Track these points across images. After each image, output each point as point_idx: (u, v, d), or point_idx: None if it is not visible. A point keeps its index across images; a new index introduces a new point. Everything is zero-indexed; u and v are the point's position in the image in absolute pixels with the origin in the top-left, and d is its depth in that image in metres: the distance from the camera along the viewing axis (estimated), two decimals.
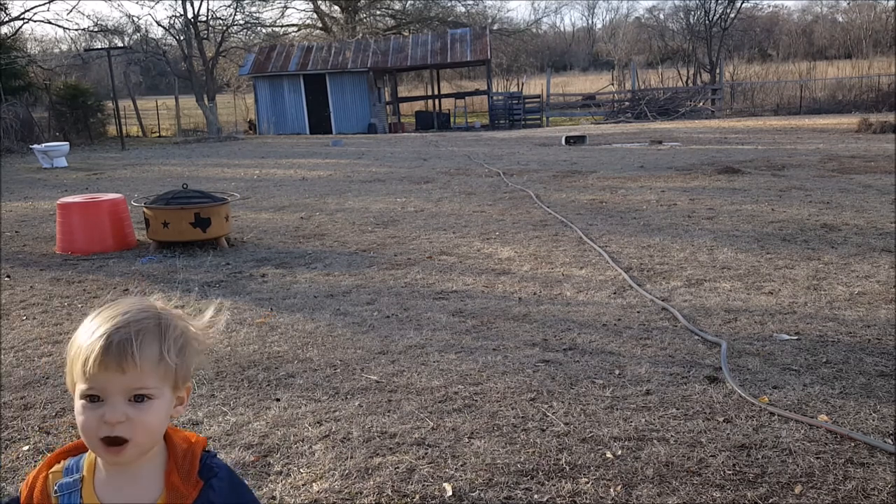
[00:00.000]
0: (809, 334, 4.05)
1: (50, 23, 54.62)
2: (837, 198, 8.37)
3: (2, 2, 25.96)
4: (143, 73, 44.40)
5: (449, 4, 41.38)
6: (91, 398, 1.07)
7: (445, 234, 7.22)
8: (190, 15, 29.90)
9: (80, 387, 1.08)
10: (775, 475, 2.63)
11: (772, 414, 3.10)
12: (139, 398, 1.08)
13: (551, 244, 6.56)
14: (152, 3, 65.93)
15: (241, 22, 33.24)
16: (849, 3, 50.23)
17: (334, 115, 28.33)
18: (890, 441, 2.84)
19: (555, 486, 2.60)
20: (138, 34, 32.82)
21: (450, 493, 2.57)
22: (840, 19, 50.21)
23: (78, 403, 1.09)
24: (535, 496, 2.54)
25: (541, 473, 2.68)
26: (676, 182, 10.19)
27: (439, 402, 3.31)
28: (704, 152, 14.18)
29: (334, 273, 5.80)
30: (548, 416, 3.14)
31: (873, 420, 3.02)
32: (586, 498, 2.52)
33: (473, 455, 2.83)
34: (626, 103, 30.54)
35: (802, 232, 6.67)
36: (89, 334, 1.08)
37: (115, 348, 1.06)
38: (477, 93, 32.74)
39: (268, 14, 57.49)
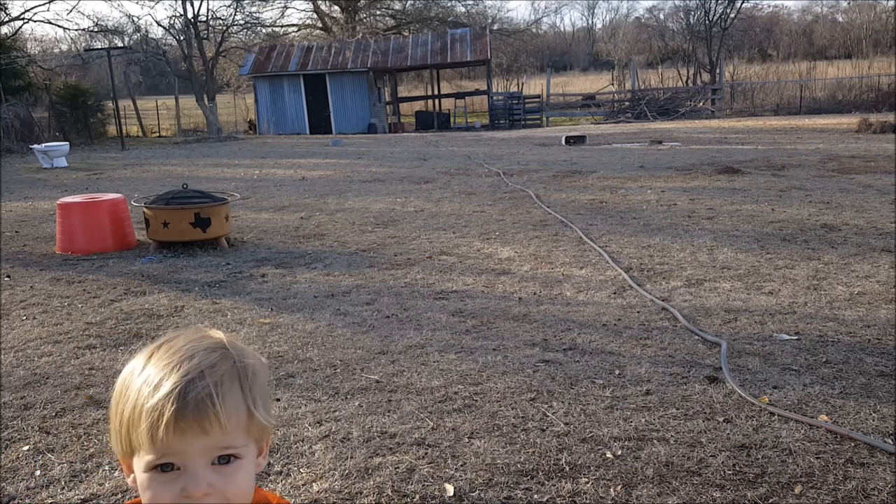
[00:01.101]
0: (809, 334, 4.05)
1: (50, 23, 54.70)
2: (837, 198, 8.37)
3: (2, 2, 25.98)
4: (143, 73, 44.41)
5: (449, 4, 41.42)
6: (163, 467, 0.87)
7: (445, 234, 7.22)
8: (190, 15, 29.93)
9: (147, 457, 0.86)
10: (775, 475, 2.63)
11: (772, 414, 3.10)
12: (224, 459, 0.88)
13: (551, 244, 6.56)
14: (152, 3, 65.96)
15: (241, 22, 33.26)
16: (849, 3, 50.26)
17: (334, 115, 28.34)
18: (890, 441, 2.84)
19: (555, 486, 2.60)
20: (138, 34, 32.86)
21: (450, 493, 2.57)
22: (840, 19, 50.25)
23: (143, 476, 0.88)
24: (535, 496, 2.54)
25: (541, 473, 2.68)
26: (676, 182, 10.19)
27: (439, 402, 3.31)
28: (704, 152, 14.18)
29: (334, 273, 5.81)
30: (548, 416, 3.14)
31: (873, 420, 3.02)
32: (586, 498, 2.52)
33: (473, 455, 2.83)
34: (626, 103, 30.54)
35: (802, 232, 6.67)
36: (149, 389, 0.86)
37: (193, 407, 0.84)
38: (477, 93, 32.74)
39: (268, 14, 57.55)
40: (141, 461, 0.87)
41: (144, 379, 0.87)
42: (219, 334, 0.94)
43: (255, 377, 0.91)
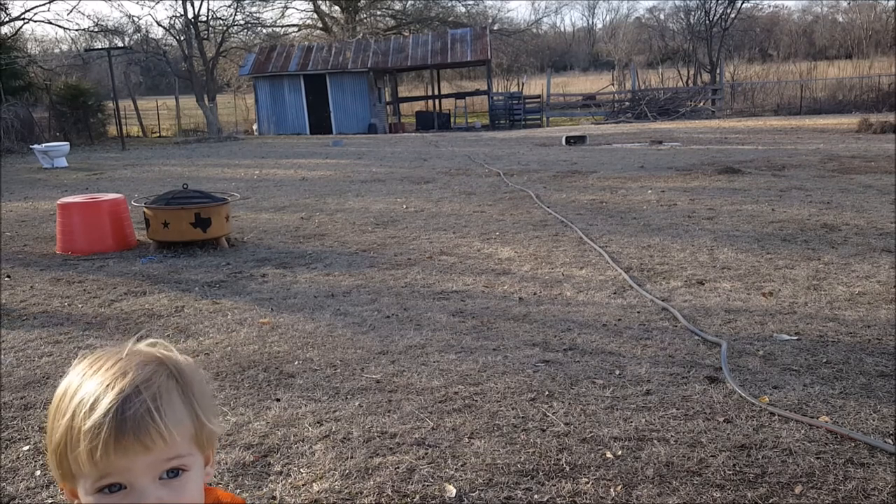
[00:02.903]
0: (809, 334, 4.05)
1: (50, 23, 54.62)
2: (837, 198, 8.37)
3: (2, 2, 25.97)
4: (144, 74, 44.41)
5: (449, 4, 41.43)
6: (110, 488, 0.84)
7: (445, 234, 7.22)
8: (190, 15, 29.94)
9: (91, 479, 0.84)
10: (775, 475, 2.63)
11: (772, 414, 3.10)
12: (173, 472, 0.86)
13: (551, 244, 6.56)
14: (152, 4, 65.94)
15: (242, 22, 33.30)
16: (849, 3, 50.24)
17: (334, 116, 28.33)
18: (890, 441, 2.84)
19: (555, 486, 2.60)
20: (138, 34, 32.88)
21: (450, 493, 2.57)
22: (840, 19, 50.23)
23: (88, 500, 0.85)
24: (535, 496, 2.54)
25: (541, 473, 2.68)
26: (676, 182, 10.19)
27: (439, 402, 3.31)
28: (704, 152, 14.18)
29: (334, 273, 5.81)
30: (548, 416, 3.14)
31: (873, 420, 3.02)
32: (586, 498, 2.52)
33: (473, 455, 2.83)
34: (627, 103, 30.54)
35: (802, 232, 6.67)
36: (85, 410, 0.83)
37: (132, 425, 0.82)
38: (477, 93, 32.74)
39: (268, 14, 57.65)
40: (86, 485, 0.85)
41: (79, 400, 0.84)
42: (148, 348, 0.91)
43: (193, 383, 0.89)
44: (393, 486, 2.63)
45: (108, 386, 0.84)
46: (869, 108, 25.57)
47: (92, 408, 0.83)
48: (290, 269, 6.00)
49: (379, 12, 41.50)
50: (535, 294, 5.04)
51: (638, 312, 4.56)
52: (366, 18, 40.35)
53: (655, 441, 2.89)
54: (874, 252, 5.85)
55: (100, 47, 31.96)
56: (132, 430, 0.82)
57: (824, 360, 3.67)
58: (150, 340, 0.95)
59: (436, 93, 33.36)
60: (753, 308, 4.56)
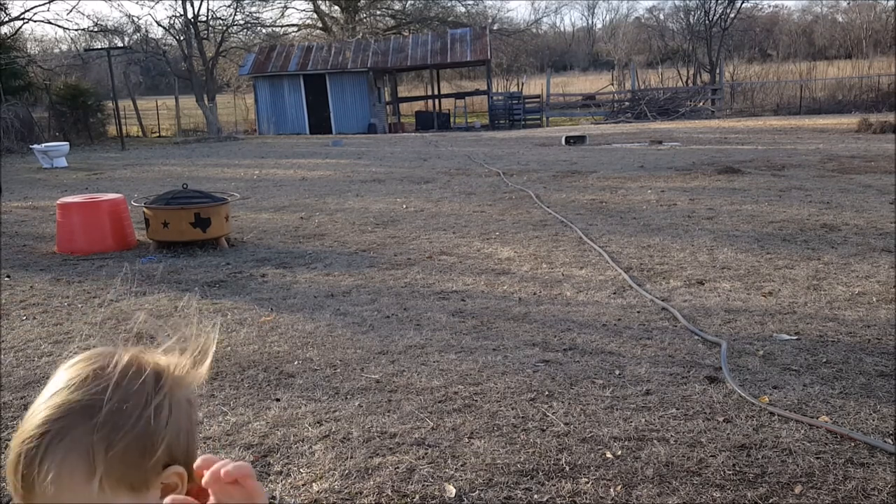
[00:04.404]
0: (809, 334, 4.05)
1: (50, 23, 54.52)
2: (837, 198, 8.37)
3: (2, 2, 25.97)
4: (143, 73, 44.39)
5: (449, 4, 41.40)
6: None
7: (445, 234, 7.22)
8: (190, 15, 29.93)
9: None
10: (775, 475, 2.63)
11: (772, 414, 3.10)
12: None
13: (551, 244, 6.56)
14: (152, 3, 65.91)
15: (241, 22, 33.30)
16: (849, 3, 50.22)
17: (334, 115, 28.32)
18: (890, 441, 2.84)
19: (555, 486, 2.60)
20: (138, 34, 32.85)
21: (450, 493, 2.57)
22: (840, 19, 50.21)
23: None
24: (535, 496, 2.54)
25: (541, 473, 2.68)
26: (676, 182, 10.19)
27: (439, 402, 3.31)
28: (704, 152, 14.17)
29: (334, 273, 5.80)
30: (548, 416, 3.14)
31: (873, 420, 3.02)
32: (586, 498, 2.52)
33: (473, 455, 2.83)
34: (626, 103, 30.53)
35: (802, 232, 6.67)
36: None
37: (20, 466, 0.74)
38: (477, 93, 32.73)
39: (268, 14, 57.63)
40: None
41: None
42: (127, 353, 0.81)
43: (120, 423, 0.76)
44: (393, 486, 2.63)
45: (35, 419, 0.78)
46: (868, 107, 25.56)
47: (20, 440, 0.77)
48: (289, 269, 6.00)
49: (379, 12, 41.48)
50: (534, 294, 5.04)
51: (638, 312, 4.56)
52: (365, 18, 40.33)
53: (655, 441, 2.89)
54: (874, 252, 5.85)
55: (99, 47, 31.96)
56: (14, 472, 0.75)
57: (824, 360, 3.67)
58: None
59: (435, 93, 33.33)
60: (753, 308, 4.56)
